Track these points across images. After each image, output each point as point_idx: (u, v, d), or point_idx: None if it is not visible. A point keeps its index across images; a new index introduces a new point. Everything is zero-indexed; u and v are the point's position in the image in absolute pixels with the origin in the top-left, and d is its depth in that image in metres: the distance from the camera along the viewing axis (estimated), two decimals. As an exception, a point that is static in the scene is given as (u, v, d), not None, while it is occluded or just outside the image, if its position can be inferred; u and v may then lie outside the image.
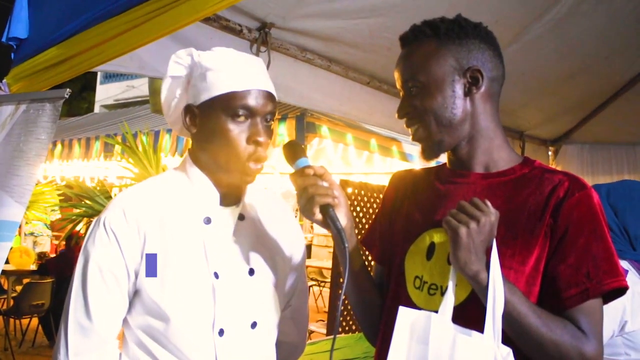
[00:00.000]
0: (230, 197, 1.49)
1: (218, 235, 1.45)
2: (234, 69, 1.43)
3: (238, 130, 1.40)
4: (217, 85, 1.41)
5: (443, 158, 1.50)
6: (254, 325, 1.46)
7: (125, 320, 1.44)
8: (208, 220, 1.45)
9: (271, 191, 1.67)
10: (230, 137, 1.39)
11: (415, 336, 1.26)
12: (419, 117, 1.40)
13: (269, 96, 1.44)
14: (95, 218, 1.44)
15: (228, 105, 1.39)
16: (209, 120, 1.42)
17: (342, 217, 1.33)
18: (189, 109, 1.45)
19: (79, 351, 1.36)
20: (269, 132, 1.45)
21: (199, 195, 1.46)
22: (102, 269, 1.37)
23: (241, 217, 1.50)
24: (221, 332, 1.40)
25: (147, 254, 1.38)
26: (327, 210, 1.31)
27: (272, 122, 1.48)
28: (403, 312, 1.30)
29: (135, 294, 1.41)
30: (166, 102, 1.52)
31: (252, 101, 1.40)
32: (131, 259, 1.38)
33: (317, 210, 1.31)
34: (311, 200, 1.30)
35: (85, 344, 1.37)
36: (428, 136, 1.41)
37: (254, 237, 1.51)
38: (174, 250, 1.40)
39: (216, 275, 1.41)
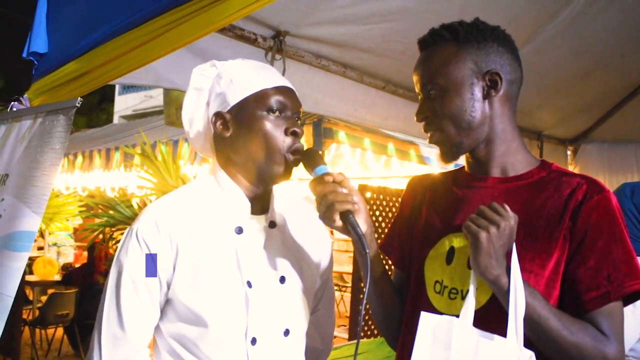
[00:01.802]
0: (260, 204, 1.51)
1: (249, 244, 1.47)
2: (260, 71, 1.49)
3: (275, 124, 1.44)
4: (248, 85, 1.45)
5: (461, 160, 1.51)
6: (286, 332, 1.47)
7: (157, 328, 1.46)
8: (240, 230, 1.46)
9: (297, 196, 1.69)
10: (268, 130, 1.43)
11: (437, 341, 1.26)
12: (438, 120, 1.40)
13: (297, 96, 1.51)
14: (127, 228, 1.47)
15: (262, 101, 1.44)
16: (244, 120, 1.45)
17: (362, 223, 1.34)
18: (219, 116, 1.48)
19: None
20: (301, 128, 1.48)
21: (230, 204, 1.48)
22: (135, 280, 1.40)
23: (272, 225, 1.52)
24: (254, 341, 1.41)
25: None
26: (347, 217, 1.31)
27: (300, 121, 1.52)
28: (425, 317, 1.30)
29: (167, 303, 1.43)
30: (188, 116, 1.55)
31: (284, 97, 1.46)
32: (163, 270, 1.40)
33: (337, 217, 1.31)
34: (331, 207, 1.30)
35: (119, 353, 1.39)
36: (446, 139, 1.41)
37: (283, 245, 1.52)
38: (206, 261, 1.42)
39: (249, 284, 1.42)
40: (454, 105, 1.38)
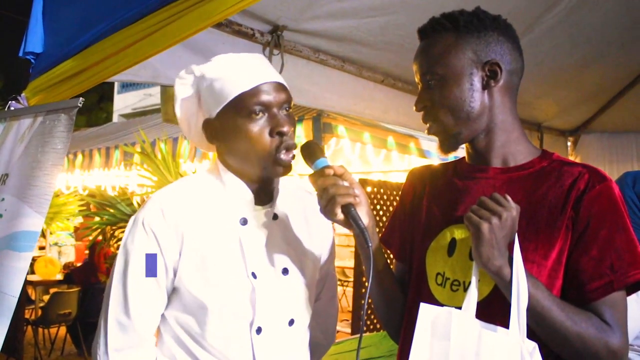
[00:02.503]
0: (263, 196, 1.51)
1: (254, 235, 1.47)
2: (237, 71, 1.44)
3: (258, 127, 1.41)
4: (226, 91, 1.42)
5: (461, 152, 1.50)
6: (291, 322, 1.49)
7: (162, 316, 1.46)
8: (244, 221, 1.46)
9: (300, 188, 1.69)
10: (253, 136, 1.41)
11: (437, 332, 1.26)
12: (436, 110, 1.40)
13: (280, 86, 1.46)
14: (132, 217, 1.47)
15: (242, 107, 1.41)
16: (229, 128, 1.44)
17: (364, 216, 1.33)
18: (207, 124, 1.48)
19: (118, 348, 1.40)
20: (291, 120, 1.46)
21: (233, 197, 1.48)
22: (142, 268, 1.40)
23: (275, 217, 1.52)
24: (259, 330, 1.42)
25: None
26: (348, 210, 1.30)
27: (291, 110, 1.48)
28: (424, 308, 1.30)
29: (174, 291, 1.44)
30: (184, 122, 1.55)
31: (265, 95, 1.42)
32: (170, 257, 1.41)
33: (338, 211, 1.30)
34: (332, 201, 1.30)
35: (125, 341, 1.40)
36: (445, 129, 1.40)
37: (287, 236, 1.53)
38: (212, 250, 1.42)
39: (254, 276, 1.43)
40: (453, 96, 1.37)
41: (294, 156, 1.45)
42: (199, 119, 1.52)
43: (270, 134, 1.41)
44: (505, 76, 1.39)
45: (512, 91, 1.42)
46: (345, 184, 1.33)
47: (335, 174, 1.33)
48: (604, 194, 1.31)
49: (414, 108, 1.45)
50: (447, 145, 1.42)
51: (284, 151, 1.42)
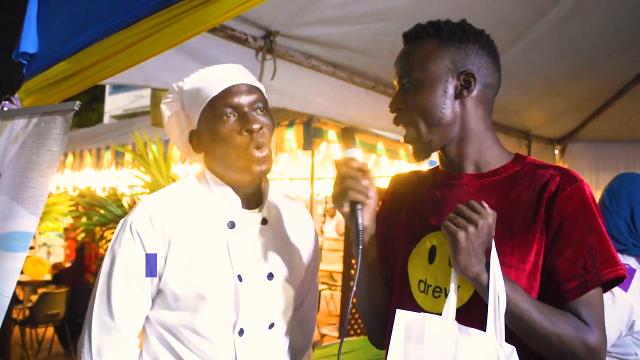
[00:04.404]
0: (252, 201, 1.55)
1: (241, 238, 1.50)
2: (210, 79, 1.49)
3: (229, 127, 1.45)
4: (199, 100, 1.48)
5: (436, 158, 1.53)
6: (271, 326, 1.52)
7: (147, 317, 1.49)
8: (232, 225, 1.50)
9: (286, 194, 1.72)
10: (224, 137, 1.45)
11: (411, 337, 1.28)
12: (409, 113, 1.43)
13: (250, 87, 1.50)
14: (122, 219, 1.50)
15: (213, 111, 1.46)
16: (206, 134, 1.48)
17: (367, 219, 1.36)
18: (192, 135, 1.53)
19: (101, 347, 1.42)
20: (264, 119, 1.49)
21: (221, 200, 1.51)
22: (127, 271, 1.43)
23: (264, 222, 1.55)
24: (241, 332, 1.46)
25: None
26: (354, 207, 1.34)
27: (265, 110, 1.51)
28: (399, 314, 1.32)
29: (158, 293, 1.47)
30: (178, 141, 1.61)
31: (232, 97, 1.46)
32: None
33: (346, 204, 1.33)
34: (344, 193, 1.33)
35: (108, 341, 1.43)
36: (418, 137, 1.43)
37: (274, 242, 1.56)
38: (199, 254, 1.45)
39: (240, 278, 1.46)
40: (426, 100, 1.40)
41: (267, 154, 1.48)
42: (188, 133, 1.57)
43: (240, 133, 1.45)
44: (479, 88, 1.42)
45: (485, 103, 1.45)
46: (365, 182, 1.35)
47: (360, 169, 1.36)
48: (576, 195, 1.33)
49: (389, 109, 1.48)
50: (420, 153, 1.46)
51: (254, 149, 1.45)
